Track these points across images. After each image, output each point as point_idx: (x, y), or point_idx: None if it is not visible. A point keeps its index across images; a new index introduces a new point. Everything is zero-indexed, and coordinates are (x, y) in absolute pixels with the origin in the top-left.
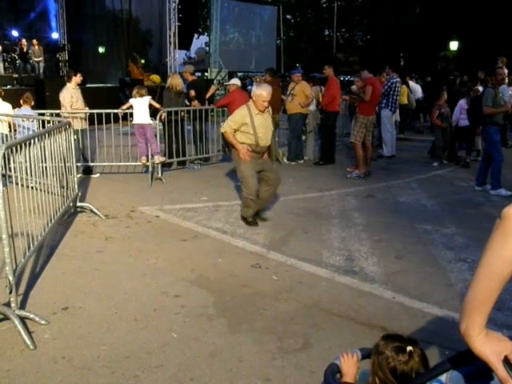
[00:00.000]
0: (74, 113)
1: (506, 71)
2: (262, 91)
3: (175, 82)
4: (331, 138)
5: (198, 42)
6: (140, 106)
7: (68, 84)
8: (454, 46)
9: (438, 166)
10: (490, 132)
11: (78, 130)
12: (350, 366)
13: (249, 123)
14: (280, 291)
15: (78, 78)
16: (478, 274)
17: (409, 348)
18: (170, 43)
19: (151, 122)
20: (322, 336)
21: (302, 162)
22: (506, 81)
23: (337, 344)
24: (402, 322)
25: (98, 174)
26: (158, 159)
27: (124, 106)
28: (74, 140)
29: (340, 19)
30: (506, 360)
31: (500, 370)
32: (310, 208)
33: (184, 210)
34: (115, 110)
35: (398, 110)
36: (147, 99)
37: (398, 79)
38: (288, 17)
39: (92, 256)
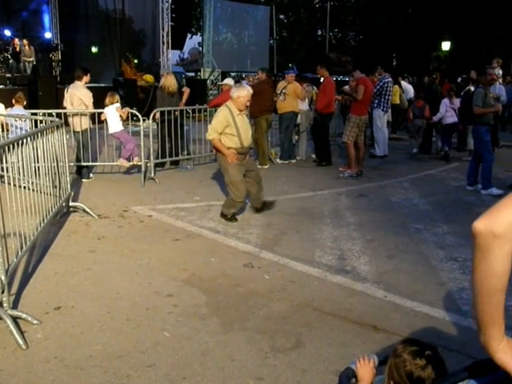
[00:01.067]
0: (80, 112)
1: (500, 72)
2: (243, 91)
3: (168, 82)
4: (328, 139)
5: (191, 41)
6: (110, 115)
7: (79, 82)
8: (445, 46)
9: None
10: (480, 132)
11: (86, 130)
12: (366, 371)
13: (231, 124)
14: (272, 290)
15: (87, 78)
16: (476, 291)
17: (427, 352)
18: (163, 43)
19: (122, 127)
20: (314, 335)
21: (294, 161)
22: (501, 80)
23: (329, 343)
24: (394, 321)
25: (92, 177)
26: (138, 159)
27: (102, 118)
28: (78, 140)
29: (333, 19)
30: None
31: None
32: (302, 207)
33: (177, 209)
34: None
35: (390, 110)
36: (114, 107)
37: (390, 79)
38: (281, 17)
39: (84, 256)
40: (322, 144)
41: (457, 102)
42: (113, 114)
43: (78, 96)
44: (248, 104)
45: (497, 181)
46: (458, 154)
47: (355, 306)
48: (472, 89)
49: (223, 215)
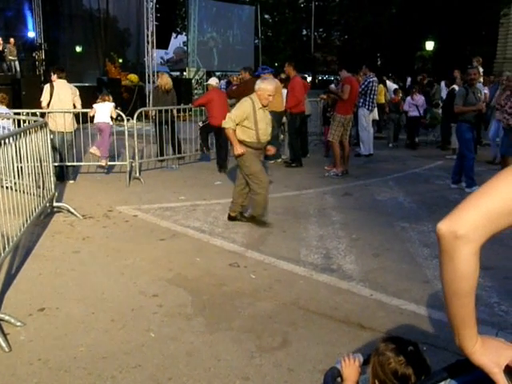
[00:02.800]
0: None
1: (481, 70)
2: (268, 85)
3: (164, 81)
4: (302, 139)
5: (176, 41)
6: (101, 109)
7: (64, 80)
8: (429, 46)
9: (392, 147)
10: (461, 129)
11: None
12: (351, 370)
13: (251, 116)
14: (258, 290)
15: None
16: (445, 293)
17: (410, 348)
18: (148, 42)
19: (110, 122)
20: (300, 334)
21: (279, 161)
22: (481, 80)
23: (315, 342)
24: (380, 319)
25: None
26: (105, 162)
27: (91, 113)
28: (67, 141)
29: (317, 19)
30: (507, 369)
31: (501, 380)
32: (288, 207)
33: (162, 209)
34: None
35: (376, 109)
36: (110, 105)
37: (375, 78)
38: (266, 16)
39: (69, 256)
40: (294, 145)
41: (418, 98)
42: (104, 108)
43: (70, 93)
44: (271, 99)
45: (480, 178)
46: (442, 152)
47: (341, 305)
48: (456, 88)
49: (255, 220)
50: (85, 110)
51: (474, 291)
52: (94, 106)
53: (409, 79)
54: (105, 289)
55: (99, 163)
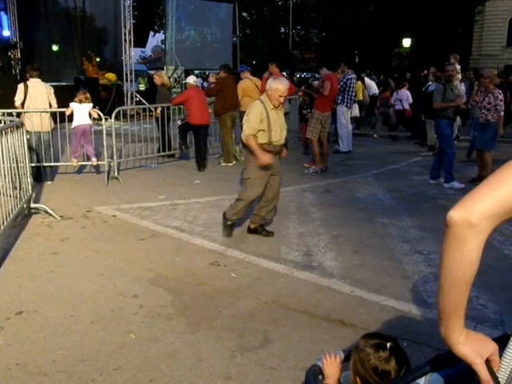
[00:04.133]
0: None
1: (458, 67)
2: (279, 85)
3: (166, 80)
4: None
5: (154, 39)
6: (80, 110)
7: (39, 79)
8: (406, 43)
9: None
10: (441, 125)
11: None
12: (332, 367)
13: (265, 119)
14: (239, 288)
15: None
16: (443, 281)
17: (389, 344)
18: (126, 41)
19: (91, 123)
20: (281, 332)
21: None
22: (459, 77)
23: (297, 340)
24: (361, 316)
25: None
26: (96, 162)
27: (68, 112)
28: (44, 141)
29: (295, 17)
30: (488, 362)
31: (483, 371)
32: None
33: (141, 208)
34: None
35: (356, 106)
36: (88, 106)
37: (354, 76)
38: (244, 14)
39: (47, 258)
40: None
41: (402, 93)
42: (83, 109)
43: (45, 92)
44: (282, 100)
45: (458, 174)
46: (420, 148)
47: (322, 302)
48: (432, 84)
49: (225, 219)
50: (62, 110)
51: (472, 281)
52: (71, 104)
53: (408, 74)
54: (84, 290)
55: (89, 163)
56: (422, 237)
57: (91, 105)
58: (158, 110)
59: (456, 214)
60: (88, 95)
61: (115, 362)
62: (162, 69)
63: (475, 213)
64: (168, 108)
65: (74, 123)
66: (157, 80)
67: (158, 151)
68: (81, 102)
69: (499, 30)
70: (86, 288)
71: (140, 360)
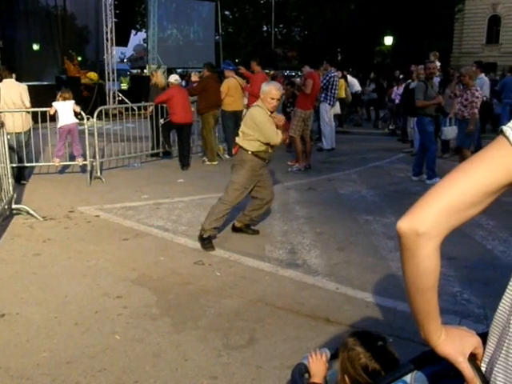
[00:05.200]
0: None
1: (438, 64)
2: (271, 87)
3: (159, 79)
4: None
5: (136, 38)
6: (64, 108)
7: (12, 79)
8: (388, 41)
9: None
10: (423, 123)
11: (29, 129)
12: (318, 366)
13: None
14: (224, 287)
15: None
16: (407, 290)
17: (379, 343)
18: (107, 40)
19: (76, 121)
20: (267, 331)
21: None
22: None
23: (282, 338)
24: (346, 313)
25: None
26: (82, 161)
27: (51, 112)
28: (22, 142)
29: (278, 15)
30: (471, 358)
31: (466, 369)
32: None
33: (124, 208)
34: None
35: (337, 103)
36: (71, 103)
37: (336, 73)
38: (226, 13)
39: (29, 259)
40: None
41: (401, 88)
42: (66, 108)
43: (19, 92)
44: (275, 103)
45: (440, 170)
46: (401, 145)
47: (307, 300)
48: (413, 82)
49: (203, 230)
50: (43, 109)
51: (436, 285)
52: (54, 104)
53: (397, 72)
54: (67, 292)
55: (72, 162)
56: None
57: (73, 101)
58: (150, 109)
59: (403, 224)
60: (70, 93)
61: (100, 363)
62: (145, 67)
63: (422, 221)
64: (162, 107)
65: (60, 123)
66: (151, 79)
67: (152, 149)
68: (65, 99)
69: (479, 28)
70: (69, 289)
71: (125, 361)
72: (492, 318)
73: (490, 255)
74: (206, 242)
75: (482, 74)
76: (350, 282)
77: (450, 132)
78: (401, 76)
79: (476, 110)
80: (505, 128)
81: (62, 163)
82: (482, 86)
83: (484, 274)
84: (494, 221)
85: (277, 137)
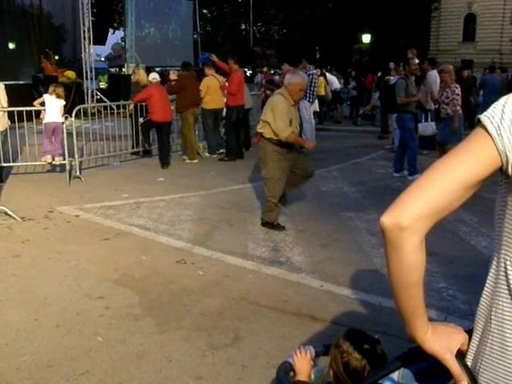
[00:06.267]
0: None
1: (416, 62)
2: (299, 79)
3: (141, 77)
4: (236, 133)
5: (114, 37)
6: (53, 105)
7: None
8: (366, 38)
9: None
10: (404, 120)
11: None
12: (303, 364)
13: (287, 113)
14: (207, 286)
15: None
16: (392, 286)
17: (365, 346)
18: (85, 38)
19: (62, 120)
20: (251, 329)
21: (222, 154)
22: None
23: (267, 337)
24: (331, 310)
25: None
26: (58, 160)
27: (38, 101)
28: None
29: (256, 13)
30: (459, 355)
31: (453, 366)
32: (233, 200)
33: (105, 207)
34: (28, 108)
35: (316, 101)
36: (61, 103)
37: (315, 71)
38: (204, 11)
39: (8, 261)
40: (228, 138)
41: None
42: (55, 104)
43: None
44: (302, 94)
45: (421, 167)
46: (381, 142)
47: (292, 297)
48: (391, 79)
49: (266, 223)
50: (20, 109)
51: (421, 281)
52: (45, 96)
53: (379, 73)
54: (48, 293)
55: (54, 162)
56: None
57: (64, 103)
58: (130, 107)
59: (386, 219)
60: (63, 90)
61: (82, 366)
62: (123, 66)
63: (404, 216)
64: (141, 105)
65: (47, 119)
66: (133, 77)
67: (132, 147)
68: (58, 96)
69: (455, 26)
70: (49, 291)
71: (108, 363)
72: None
73: (473, 251)
74: (278, 226)
75: (434, 70)
76: (334, 279)
77: (427, 128)
78: (379, 73)
79: (458, 107)
80: (482, 117)
81: (48, 161)
82: (432, 81)
83: (468, 269)
84: (476, 216)
85: (286, 131)
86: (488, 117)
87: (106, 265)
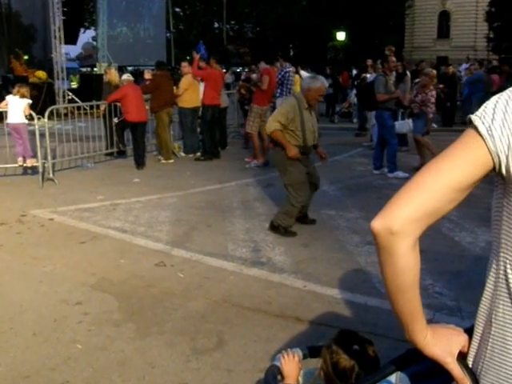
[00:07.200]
0: None
1: (393, 59)
2: (320, 84)
3: (113, 76)
4: (212, 133)
5: (85, 36)
6: (16, 106)
7: None
8: (341, 36)
9: None
10: (383, 117)
11: None
12: (291, 367)
13: (297, 117)
14: (188, 289)
15: None
16: (388, 291)
17: (354, 347)
18: (55, 38)
19: (26, 121)
20: (235, 332)
21: (199, 154)
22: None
23: (252, 339)
24: (316, 311)
25: None
26: (30, 162)
27: (2, 104)
28: None
29: (229, 12)
30: (460, 357)
31: (455, 369)
32: (211, 201)
33: (80, 210)
34: None
35: None
36: (25, 102)
37: (291, 69)
38: (177, 10)
39: None
40: (204, 137)
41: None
42: (18, 104)
43: None
44: (320, 99)
45: (401, 164)
46: (359, 139)
47: (275, 299)
48: (368, 76)
49: (277, 228)
50: None
51: (417, 284)
52: (8, 98)
53: (354, 71)
54: (23, 300)
55: (25, 165)
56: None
57: (29, 101)
58: (103, 107)
59: (377, 224)
60: (28, 90)
61: (61, 375)
62: (95, 66)
63: (395, 220)
64: (115, 105)
65: (8, 119)
66: (104, 77)
67: (106, 148)
68: (22, 96)
69: (430, 23)
70: (24, 297)
71: (88, 372)
72: (466, 310)
73: (458, 247)
74: (291, 232)
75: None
76: (317, 279)
77: (403, 126)
78: (355, 71)
79: (431, 116)
80: (473, 117)
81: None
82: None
83: (454, 265)
84: (459, 212)
85: (272, 126)
86: (479, 116)
87: (82, 269)
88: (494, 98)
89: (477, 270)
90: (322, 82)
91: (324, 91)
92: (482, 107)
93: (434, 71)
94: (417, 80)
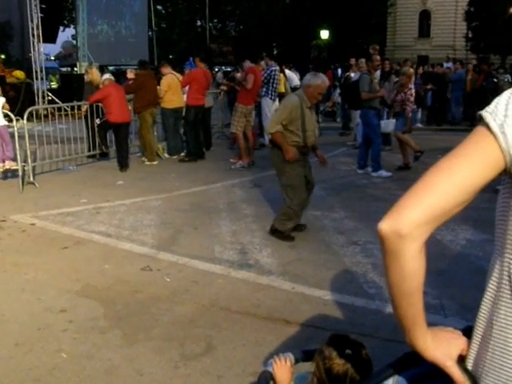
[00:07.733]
0: None
1: (378, 58)
2: (321, 82)
3: (94, 76)
4: (196, 133)
5: (64, 34)
6: None
7: None
8: (324, 34)
9: None
10: (368, 116)
11: None
12: (283, 372)
13: (298, 117)
14: (175, 293)
15: None
16: (392, 294)
17: (347, 351)
18: (34, 36)
19: (6, 123)
20: (224, 337)
21: (183, 155)
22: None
23: (241, 343)
24: (305, 313)
25: None
26: (9, 164)
27: None
28: None
29: (212, 10)
30: (460, 360)
31: (456, 373)
32: (197, 203)
33: (62, 214)
34: None
35: (277, 99)
36: (1, 101)
37: (277, 67)
38: (159, 7)
39: None
40: (188, 138)
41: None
42: None
43: None
44: (320, 98)
45: (384, 163)
46: (343, 138)
47: (263, 301)
48: (352, 75)
49: (276, 232)
50: None
51: (421, 288)
52: None
53: (339, 70)
54: (5, 309)
55: (5, 167)
56: (356, 227)
57: (3, 99)
58: (84, 108)
59: (385, 226)
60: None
61: None
62: (75, 65)
63: (403, 223)
64: (97, 106)
65: None
66: (86, 77)
67: (89, 150)
68: None
69: (411, 22)
70: (6, 306)
71: (75, 381)
72: (449, 308)
73: (439, 246)
74: (290, 237)
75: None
76: (305, 281)
77: (388, 125)
78: (339, 70)
79: (410, 115)
80: (484, 114)
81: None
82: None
83: (435, 264)
84: None
85: (273, 128)
86: (490, 113)
87: (66, 275)
88: (505, 94)
89: (458, 268)
90: (323, 80)
91: (323, 90)
92: (494, 103)
93: (412, 70)
94: (395, 79)
